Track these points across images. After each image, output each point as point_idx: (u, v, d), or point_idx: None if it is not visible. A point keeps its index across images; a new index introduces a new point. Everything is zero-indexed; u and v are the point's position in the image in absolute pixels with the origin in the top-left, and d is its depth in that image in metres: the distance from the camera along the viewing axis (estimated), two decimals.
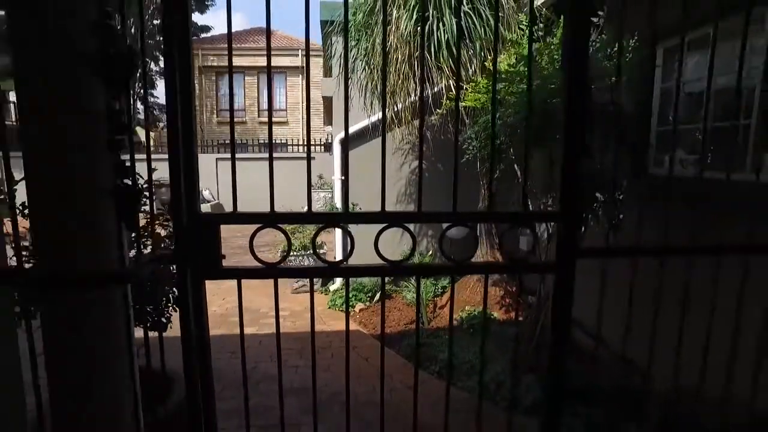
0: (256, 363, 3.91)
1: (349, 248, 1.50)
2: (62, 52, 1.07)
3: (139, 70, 1.20)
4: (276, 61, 17.90)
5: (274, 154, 1.40)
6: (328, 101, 7.10)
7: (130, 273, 1.26)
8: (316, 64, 12.55)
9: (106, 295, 1.21)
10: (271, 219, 1.37)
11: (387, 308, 5.27)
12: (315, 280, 6.09)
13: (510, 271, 1.53)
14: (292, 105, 19.18)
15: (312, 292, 1.53)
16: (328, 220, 1.45)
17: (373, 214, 1.39)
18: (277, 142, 15.88)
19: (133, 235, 1.34)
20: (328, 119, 12.25)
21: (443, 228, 1.45)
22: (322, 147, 14.51)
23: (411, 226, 1.41)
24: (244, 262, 1.61)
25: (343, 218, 1.51)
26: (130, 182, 1.20)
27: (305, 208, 1.39)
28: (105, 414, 1.24)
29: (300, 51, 17.99)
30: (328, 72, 7.74)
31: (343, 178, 5.52)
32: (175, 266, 1.35)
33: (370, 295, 5.55)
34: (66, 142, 1.10)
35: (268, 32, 1.32)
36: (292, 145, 15.27)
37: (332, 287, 5.98)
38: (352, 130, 5.53)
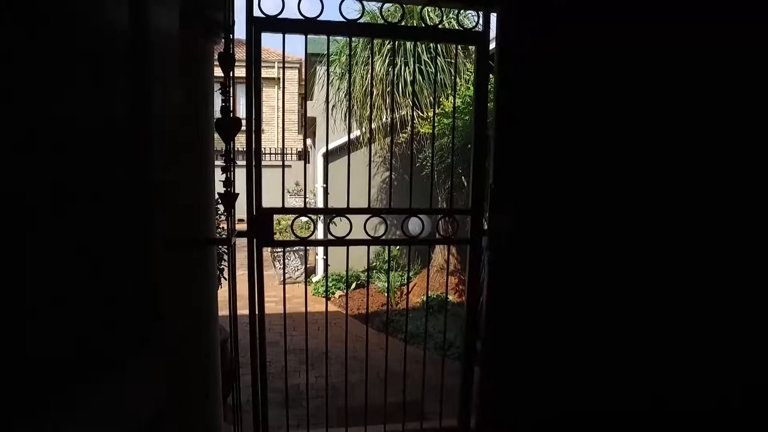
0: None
1: (348, 229, 2.50)
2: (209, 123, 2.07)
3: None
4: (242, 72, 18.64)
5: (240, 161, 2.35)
6: (311, 119, 8.14)
7: (230, 239, 2.24)
8: (293, 76, 13.53)
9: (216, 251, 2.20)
10: (303, 212, 2.38)
11: (362, 294, 6.32)
12: (299, 272, 7.06)
13: (443, 242, 2.57)
14: (268, 114, 20.02)
15: (305, 278, 2.54)
16: (338, 212, 2.45)
17: (363, 209, 2.41)
18: (239, 149, 16.65)
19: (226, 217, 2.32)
20: (302, 128, 13.22)
21: (409, 221, 2.48)
22: (297, 155, 15.46)
23: (382, 223, 2.44)
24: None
25: (345, 211, 2.51)
26: (229, 189, 2.19)
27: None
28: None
29: (276, 63, 18.87)
30: (310, 82, 8.77)
31: (324, 185, 6.55)
32: (247, 238, 2.34)
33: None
34: (207, 168, 2.09)
35: (249, 55, 2.33)
36: (269, 153, 16.15)
37: (314, 279, 6.98)
38: (332, 145, 6.56)
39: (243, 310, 2.39)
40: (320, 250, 7.05)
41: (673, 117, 2.13)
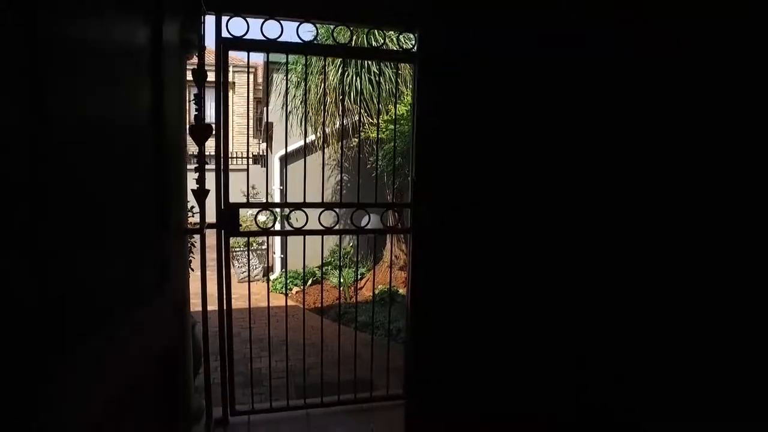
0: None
1: (305, 221, 2.87)
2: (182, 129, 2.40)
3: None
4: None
5: (209, 166, 2.69)
6: (269, 124, 8.44)
7: (202, 229, 2.57)
8: (246, 80, 13.73)
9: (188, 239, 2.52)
10: (265, 206, 2.74)
11: (317, 289, 6.67)
12: (257, 270, 7.32)
13: (387, 232, 2.98)
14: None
15: (267, 266, 2.90)
16: (296, 206, 2.82)
17: (317, 203, 2.79)
18: (209, 153, 16.61)
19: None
20: (258, 132, 13.40)
21: (367, 219, 2.89)
22: (254, 159, 15.55)
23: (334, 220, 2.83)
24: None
25: (302, 205, 2.86)
26: (202, 186, 2.52)
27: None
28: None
29: (231, 67, 18.87)
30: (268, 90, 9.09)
31: (282, 187, 6.87)
32: (216, 229, 2.67)
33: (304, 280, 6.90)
34: (182, 168, 2.42)
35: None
36: (232, 157, 16.13)
37: (272, 276, 7.26)
38: (290, 148, 6.89)
39: (210, 306, 2.71)
40: (278, 249, 7.36)
41: (547, 121, 2.51)
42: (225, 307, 2.73)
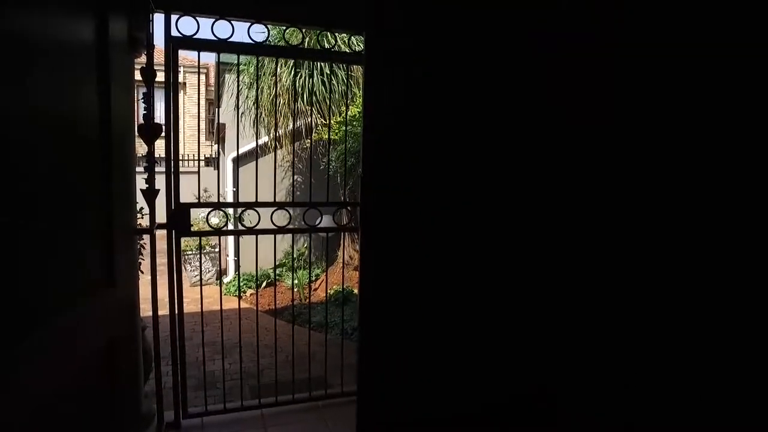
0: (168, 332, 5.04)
1: (258, 220, 2.88)
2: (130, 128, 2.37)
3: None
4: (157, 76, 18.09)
5: (159, 168, 2.67)
6: (221, 125, 8.32)
7: (152, 229, 2.54)
8: (197, 81, 13.44)
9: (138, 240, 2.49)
10: (217, 205, 2.73)
11: (272, 291, 6.62)
12: (210, 274, 7.20)
13: (338, 231, 3.03)
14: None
15: (220, 265, 2.90)
16: (248, 206, 2.82)
17: (269, 202, 2.81)
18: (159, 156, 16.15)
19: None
20: (211, 134, 13.16)
21: (320, 219, 2.92)
22: (205, 162, 15.22)
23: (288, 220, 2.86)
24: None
25: (254, 204, 2.87)
26: (151, 186, 2.49)
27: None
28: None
29: (182, 68, 18.43)
30: (219, 90, 8.95)
31: (235, 189, 6.79)
32: (166, 229, 2.65)
33: (258, 283, 6.84)
34: (131, 166, 2.39)
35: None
36: (182, 160, 15.71)
37: (226, 279, 7.15)
38: (242, 150, 6.82)
39: (162, 311, 2.67)
40: (231, 251, 7.26)
41: (494, 118, 2.59)
42: (176, 310, 2.69)
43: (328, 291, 6.23)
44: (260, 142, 6.81)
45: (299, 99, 5.79)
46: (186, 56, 17.89)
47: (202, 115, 13.06)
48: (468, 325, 2.61)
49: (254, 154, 7.36)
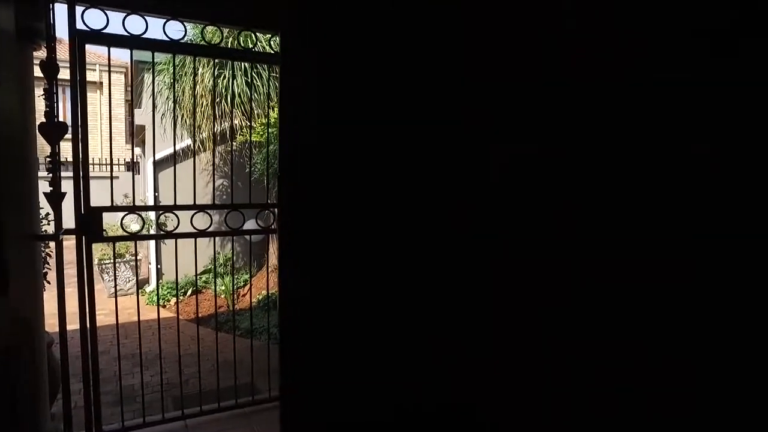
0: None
1: (177, 224, 2.78)
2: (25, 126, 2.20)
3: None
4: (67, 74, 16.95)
5: (66, 174, 2.52)
6: (140, 127, 7.91)
7: (58, 235, 2.38)
8: (118, 81, 12.75)
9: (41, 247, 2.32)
10: (132, 209, 2.60)
11: (200, 299, 6.39)
12: (132, 283, 6.83)
13: (262, 233, 2.98)
14: (91, 122, 18.19)
15: (137, 269, 2.78)
16: (166, 209, 2.71)
17: (189, 205, 2.72)
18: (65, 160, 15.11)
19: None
20: (130, 137, 12.51)
21: (247, 222, 2.84)
22: (126, 166, 14.42)
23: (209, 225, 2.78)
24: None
25: (173, 207, 2.76)
26: (56, 189, 2.33)
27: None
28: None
29: (98, 66, 17.34)
30: (137, 91, 8.50)
31: (156, 194, 6.49)
32: (75, 235, 2.49)
33: (182, 291, 6.56)
34: (31, 170, 2.22)
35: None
36: (95, 164, 14.79)
37: (148, 289, 6.81)
38: (164, 154, 6.53)
39: (71, 325, 2.50)
40: (153, 258, 6.90)
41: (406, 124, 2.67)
42: (88, 322, 2.53)
43: (258, 296, 6.10)
44: (183, 144, 6.55)
45: (223, 100, 5.62)
46: (100, 53, 16.89)
47: (120, 116, 12.39)
48: (391, 330, 2.62)
49: (178, 157, 7.08)
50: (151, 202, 7.07)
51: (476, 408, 2.64)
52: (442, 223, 2.69)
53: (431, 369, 2.72)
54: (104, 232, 2.57)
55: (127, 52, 2.52)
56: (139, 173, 10.19)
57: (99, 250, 7.10)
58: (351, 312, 2.57)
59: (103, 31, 2.35)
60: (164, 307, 6.28)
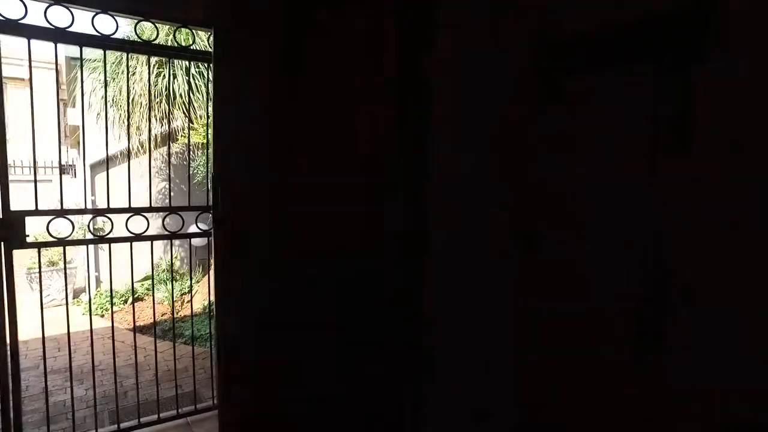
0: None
1: (110, 228, 2.64)
2: None
3: None
4: None
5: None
6: (75, 128, 7.51)
7: None
8: (51, 77, 12.08)
9: None
10: (60, 213, 2.45)
11: (140, 307, 6.13)
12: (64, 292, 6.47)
13: (201, 236, 2.88)
14: (14, 121, 17.06)
15: (66, 278, 2.63)
16: (98, 212, 2.57)
17: (124, 208, 2.59)
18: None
19: None
20: (65, 138, 11.85)
21: (182, 223, 2.73)
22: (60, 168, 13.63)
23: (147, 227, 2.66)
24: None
25: (106, 211, 2.63)
26: None
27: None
28: None
29: (23, 61, 16.36)
30: (70, 88, 8.08)
31: (93, 198, 6.18)
32: None
33: (123, 299, 6.28)
34: None
35: None
36: (22, 167, 13.90)
37: (84, 298, 6.46)
38: (102, 155, 6.22)
39: None
40: (89, 265, 6.55)
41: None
42: (8, 336, 2.35)
43: (204, 302, 5.91)
44: (122, 146, 6.26)
45: (163, 100, 5.41)
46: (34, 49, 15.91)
47: (50, 116, 11.73)
48: (319, 337, 2.56)
49: (117, 160, 6.76)
50: (89, 204, 6.72)
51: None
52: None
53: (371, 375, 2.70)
54: (35, 239, 2.41)
55: (45, 44, 2.37)
56: (76, 176, 9.71)
57: (29, 258, 6.68)
58: (285, 316, 2.50)
59: (20, 21, 2.19)
60: (102, 316, 5.97)
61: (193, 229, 2.95)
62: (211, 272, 2.90)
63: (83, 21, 2.38)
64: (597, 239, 1.72)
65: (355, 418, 2.59)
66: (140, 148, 5.94)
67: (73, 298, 6.55)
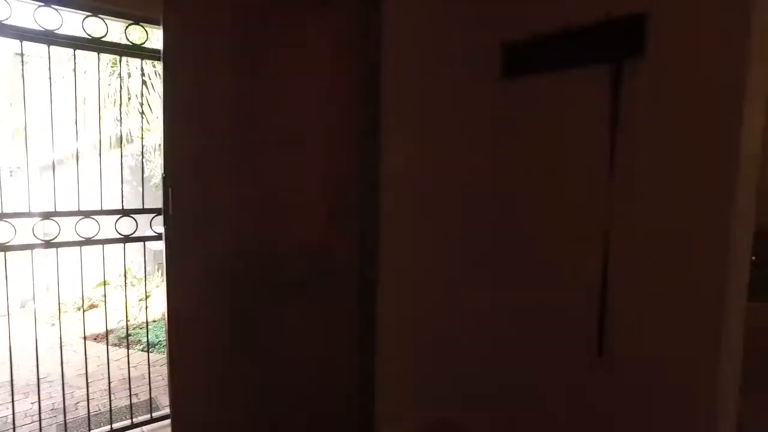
0: None
1: (58, 232, 2.52)
2: None
3: None
4: None
5: None
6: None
7: None
8: None
9: None
10: None
11: (97, 314, 5.91)
12: (19, 301, 6.18)
13: (155, 239, 2.79)
14: None
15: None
16: (44, 215, 2.45)
17: (73, 211, 2.49)
18: None
19: None
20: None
21: (145, 228, 2.64)
22: (9, 171, 13.07)
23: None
24: None
25: (52, 214, 2.51)
26: None
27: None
28: None
29: None
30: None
31: (54, 202, 5.92)
32: None
33: (76, 307, 6.04)
34: None
35: None
36: None
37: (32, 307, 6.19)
38: (55, 157, 5.96)
39: None
40: (35, 272, 6.28)
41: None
42: None
43: (146, 307, 5.76)
44: (77, 145, 6.02)
45: (116, 100, 5.22)
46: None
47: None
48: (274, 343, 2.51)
49: (67, 161, 6.47)
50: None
51: None
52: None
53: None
54: None
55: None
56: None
57: None
58: (235, 328, 2.42)
59: None
60: (53, 325, 5.71)
61: (150, 232, 2.86)
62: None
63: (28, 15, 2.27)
64: None
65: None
66: (94, 148, 5.74)
67: (21, 307, 6.25)
